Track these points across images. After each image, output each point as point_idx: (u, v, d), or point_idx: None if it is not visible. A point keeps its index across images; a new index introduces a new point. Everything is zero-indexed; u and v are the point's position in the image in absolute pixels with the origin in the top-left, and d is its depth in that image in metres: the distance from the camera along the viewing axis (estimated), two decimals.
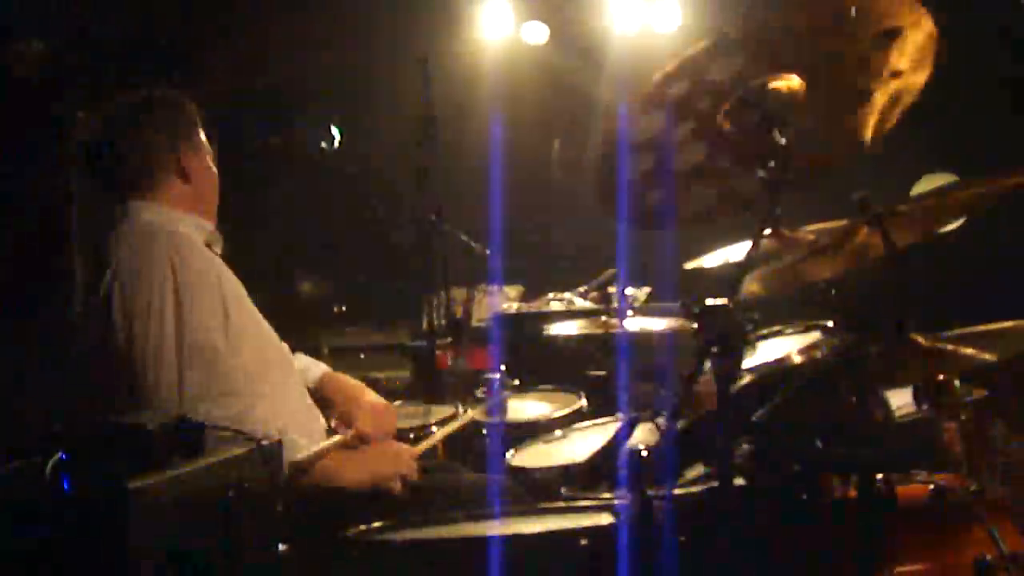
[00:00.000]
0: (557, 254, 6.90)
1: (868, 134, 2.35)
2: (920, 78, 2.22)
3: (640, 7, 6.81)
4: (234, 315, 2.79)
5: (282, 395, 2.90)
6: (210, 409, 2.56)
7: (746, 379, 2.78)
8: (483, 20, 6.69)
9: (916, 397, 3.21)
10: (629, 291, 4.29)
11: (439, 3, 6.50)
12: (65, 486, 2.38)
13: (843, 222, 3.10)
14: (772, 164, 2.08)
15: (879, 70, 2.18)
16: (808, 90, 2.14)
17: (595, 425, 3.72)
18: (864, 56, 2.14)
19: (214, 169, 3.07)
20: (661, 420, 2.77)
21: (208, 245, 2.96)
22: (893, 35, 2.10)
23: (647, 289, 4.56)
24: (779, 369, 3.01)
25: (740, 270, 2.01)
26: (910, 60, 2.17)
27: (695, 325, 1.92)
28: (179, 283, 2.69)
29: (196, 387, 2.64)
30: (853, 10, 2.05)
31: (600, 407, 3.94)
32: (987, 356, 2.86)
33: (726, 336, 1.85)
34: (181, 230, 2.87)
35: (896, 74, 2.20)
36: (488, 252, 5.08)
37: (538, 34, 6.83)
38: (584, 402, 3.95)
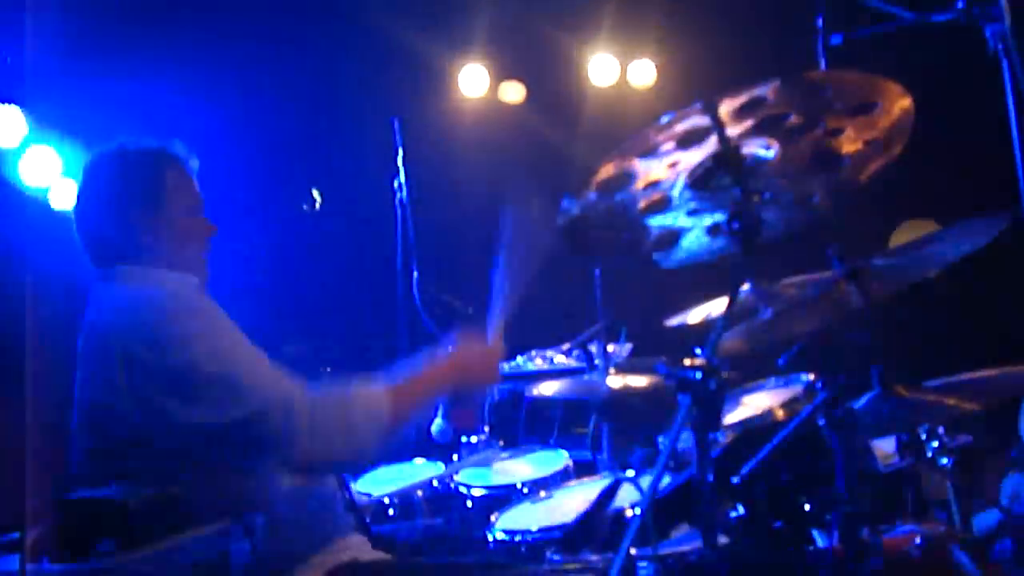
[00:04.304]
0: (537, 309, 6.86)
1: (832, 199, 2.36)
2: (895, 148, 2.22)
3: (615, 64, 6.88)
4: None
5: None
6: None
7: (729, 438, 2.79)
8: (460, 81, 6.75)
9: (899, 447, 3.21)
10: (611, 347, 4.27)
11: (415, 64, 6.53)
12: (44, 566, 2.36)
13: (821, 274, 3.12)
14: (740, 224, 2.07)
15: (853, 139, 2.18)
16: (780, 154, 2.15)
17: (580, 485, 3.70)
18: (839, 126, 2.15)
19: (199, 218, 2.85)
20: (644, 481, 2.76)
21: None
22: (869, 109, 2.11)
23: (629, 346, 4.54)
24: (762, 426, 3.00)
25: (717, 330, 2.00)
26: (885, 132, 2.17)
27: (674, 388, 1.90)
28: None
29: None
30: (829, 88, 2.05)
31: (586, 466, 3.91)
32: (969, 405, 2.86)
33: (703, 399, 1.84)
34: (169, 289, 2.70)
35: (871, 143, 2.20)
36: (470, 311, 5.04)
37: (515, 93, 6.91)
38: (569, 462, 3.93)
